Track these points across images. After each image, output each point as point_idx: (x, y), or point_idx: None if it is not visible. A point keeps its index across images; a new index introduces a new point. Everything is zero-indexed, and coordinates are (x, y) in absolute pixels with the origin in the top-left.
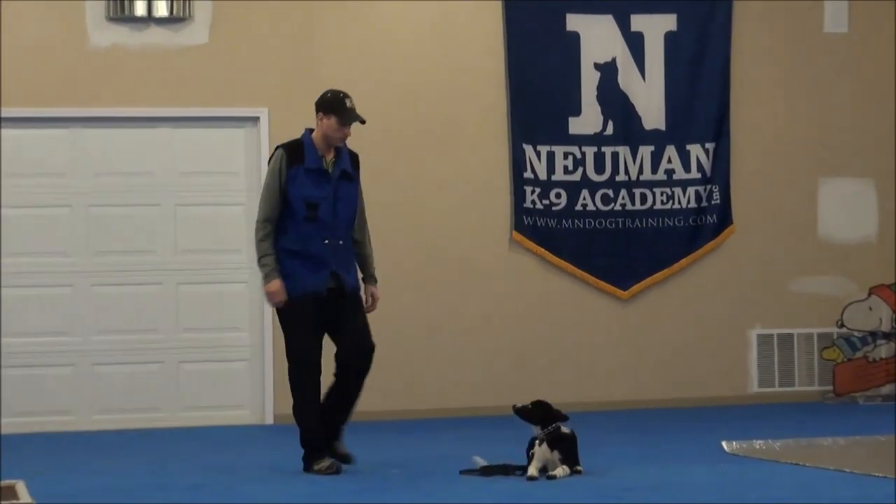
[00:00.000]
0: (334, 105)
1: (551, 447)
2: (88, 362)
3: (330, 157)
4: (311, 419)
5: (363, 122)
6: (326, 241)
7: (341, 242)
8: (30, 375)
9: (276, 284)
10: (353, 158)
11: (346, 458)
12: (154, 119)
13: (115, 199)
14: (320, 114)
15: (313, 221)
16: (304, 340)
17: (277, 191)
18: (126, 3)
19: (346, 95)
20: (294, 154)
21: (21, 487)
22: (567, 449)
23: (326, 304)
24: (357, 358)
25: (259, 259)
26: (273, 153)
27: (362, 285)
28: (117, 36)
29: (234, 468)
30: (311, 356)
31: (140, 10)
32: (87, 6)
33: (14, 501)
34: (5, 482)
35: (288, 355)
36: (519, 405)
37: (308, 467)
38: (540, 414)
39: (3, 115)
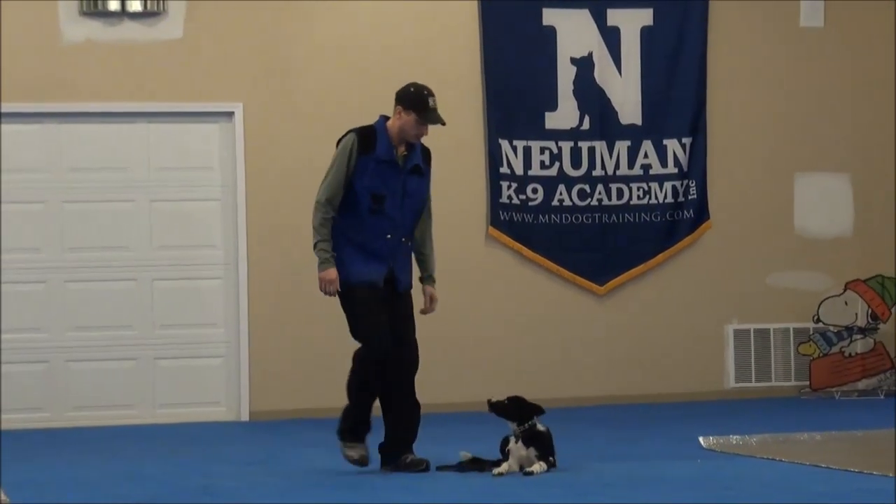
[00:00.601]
0: (416, 102)
1: (527, 444)
2: (62, 359)
3: (402, 149)
4: (363, 398)
5: (444, 123)
6: (389, 237)
7: (403, 240)
8: (3, 373)
9: (332, 273)
10: (426, 153)
11: (418, 464)
12: (128, 114)
13: (89, 194)
14: (399, 107)
15: (378, 215)
16: (370, 319)
17: (344, 175)
18: None
19: (430, 93)
20: (366, 141)
21: None
22: (543, 446)
23: (383, 294)
24: (401, 371)
25: (315, 244)
26: (344, 136)
27: (421, 285)
28: (91, 31)
29: (210, 465)
30: (381, 335)
31: (114, 4)
32: (60, 0)
33: None
34: None
35: (357, 337)
36: (494, 400)
37: (342, 438)
38: (516, 409)
39: None
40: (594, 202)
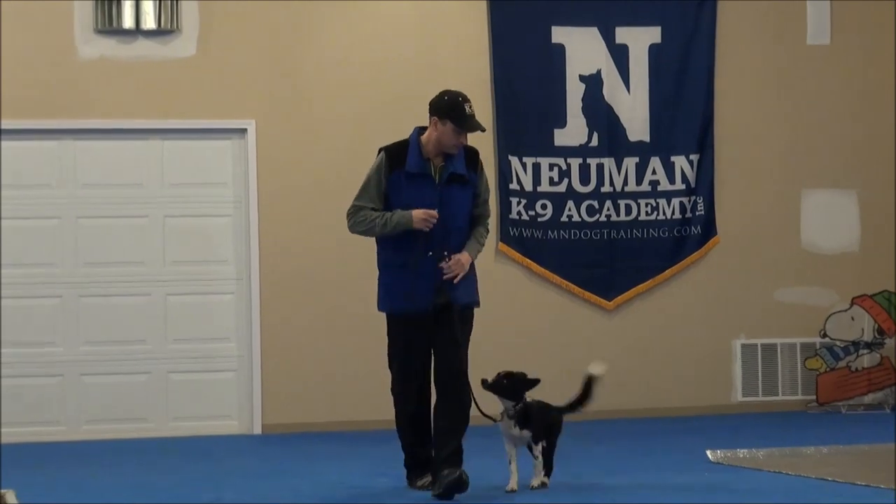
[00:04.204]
0: (452, 110)
1: (521, 426)
2: (77, 372)
3: (439, 160)
4: (407, 435)
5: (483, 129)
6: (431, 254)
7: (447, 255)
8: (19, 386)
9: (418, 213)
10: (470, 156)
11: (458, 484)
12: (142, 131)
13: (103, 210)
14: (434, 118)
15: (415, 231)
16: (401, 354)
17: (375, 189)
18: (114, 15)
19: (465, 99)
20: (395, 158)
21: (11, 496)
22: (537, 427)
23: (432, 320)
24: (445, 381)
25: (380, 229)
26: (377, 155)
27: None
28: (105, 48)
29: (222, 478)
30: (407, 370)
31: (128, 22)
32: (75, 18)
33: None
34: None
35: (390, 369)
36: (490, 380)
37: (411, 483)
38: (512, 386)
39: None
40: (602, 218)
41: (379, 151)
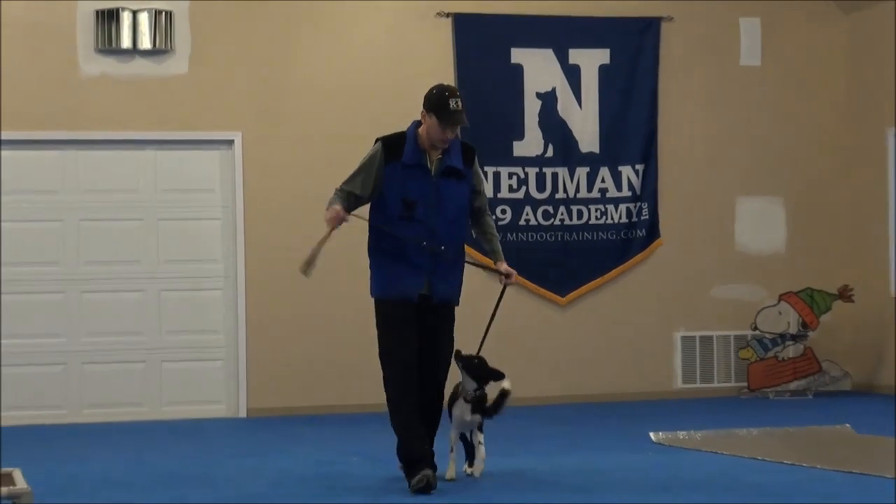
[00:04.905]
0: (437, 104)
1: (474, 410)
2: (78, 361)
3: (435, 153)
4: (404, 428)
5: (466, 125)
6: (424, 244)
7: (443, 248)
8: (26, 373)
9: (333, 211)
10: (466, 152)
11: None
12: (138, 142)
13: (102, 213)
14: (423, 111)
15: (410, 221)
16: (392, 343)
17: (363, 178)
18: (113, 36)
19: (452, 94)
20: (392, 148)
21: (18, 474)
22: (483, 416)
23: (417, 310)
24: (427, 391)
25: (326, 206)
26: (374, 145)
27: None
28: (105, 66)
29: (210, 457)
30: (400, 361)
31: (126, 42)
32: (78, 39)
33: (11, 487)
34: (3, 469)
35: (379, 357)
36: (465, 354)
37: (405, 474)
38: (481, 370)
39: (3, 137)
40: (557, 222)
41: (376, 141)
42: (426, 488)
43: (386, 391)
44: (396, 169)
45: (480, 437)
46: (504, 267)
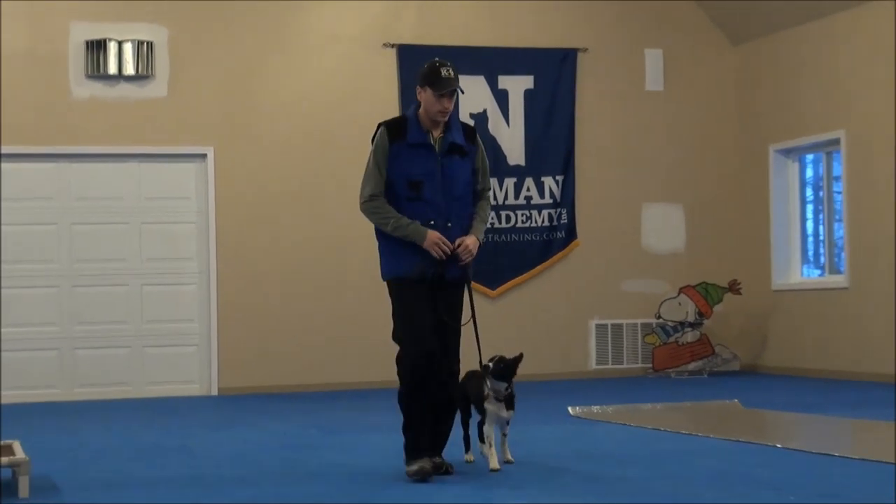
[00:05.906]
0: (429, 75)
1: (508, 406)
2: (70, 347)
3: (437, 132)
4: (410, 410)
5: (461, 90)
6: (432, 223)
7: (450, 225)
8: (24, 357)
9: (433, 235)
10: (469, 130)
11: (440, 468)
12: (123, 156)
13: (92, 218)
14: (418, 88)
15: (417, 202)
16: (408, 324)
17: (379, 166)
18: (101, 63)
19: (442, 64)
20: (396, 130)
21: (17, 446)
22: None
23: (430, 289)
24: (441, 367)
25: (393, 231)
26: (375, 131)
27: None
28: (94, 90)
29: (186, 429)
30: (417, 341)
31: (112, 69)
32: (70, 65)
33: (11, 457)
34: (4, 441)
35: (395, 338)
36: (491, 367)
37: (405, 456)
38: (509, 369)
39: (3, 151)
40: (488, 226)
41: (378, 126)
42: (422, 480)
43: (398, 369)
44: (402, 148)
45: (507, 428)
46: (465, 240)
